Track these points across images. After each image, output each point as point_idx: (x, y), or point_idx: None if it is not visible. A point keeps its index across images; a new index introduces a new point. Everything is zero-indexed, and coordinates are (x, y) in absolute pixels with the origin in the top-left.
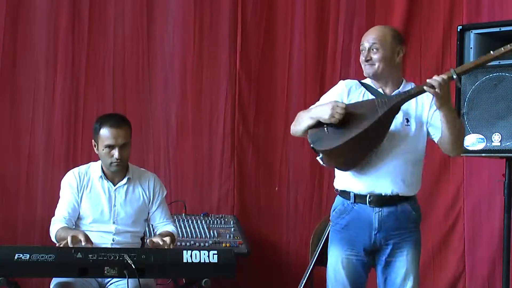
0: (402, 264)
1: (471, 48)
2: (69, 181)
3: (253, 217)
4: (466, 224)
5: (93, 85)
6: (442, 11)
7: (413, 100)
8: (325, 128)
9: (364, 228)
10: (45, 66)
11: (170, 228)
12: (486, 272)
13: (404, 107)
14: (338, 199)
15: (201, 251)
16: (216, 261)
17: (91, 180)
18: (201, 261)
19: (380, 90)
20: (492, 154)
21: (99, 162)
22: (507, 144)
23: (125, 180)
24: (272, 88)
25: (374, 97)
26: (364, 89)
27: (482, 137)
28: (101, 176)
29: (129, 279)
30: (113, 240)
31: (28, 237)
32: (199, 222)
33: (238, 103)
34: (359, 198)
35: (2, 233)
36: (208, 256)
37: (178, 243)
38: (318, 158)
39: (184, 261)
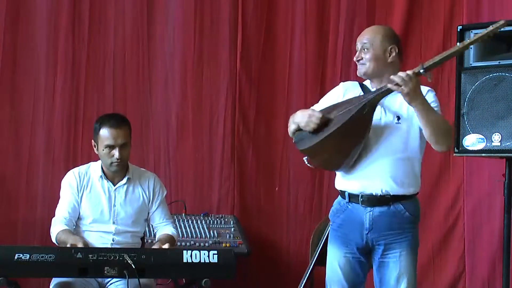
0: (395, 265)
1: (471, 48)
2: (69, 181)
3: (253, 217)
4: (466, 224)
5: (93, 85)
6: (442, 11)
7: (401, 99)
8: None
9: (356, 227)
10: (45, 66)
11: (170, 229)
12: (486, 272)
13: (395, 105)
14: (337, 199)
15: (201, 251)
16: (216, 261)
17: (91, 180)
18: (201, 261)
19: (374, 89)
20: (492, 154)
21: (99, 162)
22: (507, 144)
23: (125, 180)
24: (273, 88)
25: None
26: (361, 89)
27: (482, 137)
28: (101, 176)
29: (129, 279)
30: (113, 240)
31: (28, 237)
32: (199, 222)
33: (239, 103)
34: (353, 197)
35: (2, 233)
36: (208, 256)
37: (178, 243)
38: (304, 158)
39: (184, 261)
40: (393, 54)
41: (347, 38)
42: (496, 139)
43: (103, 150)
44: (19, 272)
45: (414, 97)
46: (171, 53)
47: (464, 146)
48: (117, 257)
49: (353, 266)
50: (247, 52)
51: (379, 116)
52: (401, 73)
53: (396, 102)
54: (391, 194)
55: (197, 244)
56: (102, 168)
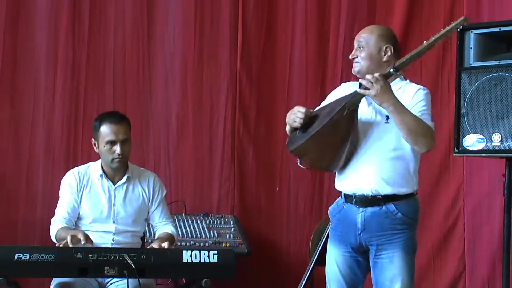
0: (388, 266)
1: (471, 48)
2: (69, 181)
3: (253, 217)
4: (466, 224)
5: (94, 85)
6: (443, 11)
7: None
8: (297, 131)
9: (350, 228)
10: (45, 66)
11: (170, 229)
12: (486, 272)
13: None
14: (338, 197)
15: (201, 251)
16: (216, 261)
17: (90, 180)
18: (201, 261)
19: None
20: (492, 154)
21: (99, 161)
22: (507, 144)
23: (124, 179)
24: (273, 88)
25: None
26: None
27: (482, 137)
28: (101, 175)
29: (129, 279)
30: (113, 240)
31: (28, 237)
32: (199, 222)
33: (239, 103)
34: (348, 198)
35: (2, 233)
36: (208, 256)
37: (178, 243)
38: (297, 159)
39: (184, 261)
40: (388, 53)
41: (347, 38)
42: (496, 139)
43: (104, 146)
44: (19, 272)
45: (383, 98)
46: (171, 53)
47: (464, 146)
48: (117, 257)
49: (351, 265)
50: (247, 52)
51: (370, 116)
52: (368, 76)
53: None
54: (382, 194)
55: (197, 244)
56: (102, 167)
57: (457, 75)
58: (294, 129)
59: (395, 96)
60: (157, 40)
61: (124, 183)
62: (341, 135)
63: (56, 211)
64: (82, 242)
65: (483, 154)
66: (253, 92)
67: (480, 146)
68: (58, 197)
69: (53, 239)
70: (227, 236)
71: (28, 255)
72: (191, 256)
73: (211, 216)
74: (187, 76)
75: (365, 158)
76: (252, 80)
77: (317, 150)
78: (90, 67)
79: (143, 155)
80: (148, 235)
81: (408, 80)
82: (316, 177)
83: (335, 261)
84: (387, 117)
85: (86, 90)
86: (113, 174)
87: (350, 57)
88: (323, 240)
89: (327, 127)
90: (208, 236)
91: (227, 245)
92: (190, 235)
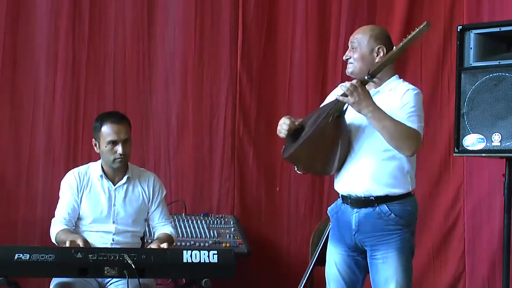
0: (382, 267)
1: (471, 48)
2: (69, 182)
3: (253, 217)
4: (466, 224)
5: (94, 85)
6: (443, 11)
7: (385, 100)
8: (290, 139)
9: (346, 228)
10: (45, 66)
11: (169, 229)
12: (486, 272)
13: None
14: (338, 199)
15: (201, 251)
16: (216, 261)
17: (90, 180)
18: (201, 261)
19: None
20: (492, 154)
21: (99, 161)
22: (507, 144)
23: (124, 179)
24: (273, 88)
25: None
26: None
27: (482, 137)
28: (101, 176)
29: (129, 279)
30: (113, 240)
31: (28, 237)
32: (199, 222)
33: (239, 103)
34: (344, 199)
35: (2, 233)
36: (208, 256)
37: (178, 243)
38: (295, 166)
39: (184, 261)
40: (381, 54)
41: (348, 38)
42: (496, 139)
43: (105, 146)
44: (19, 272)
45: (361, 106)
46: (172, 53)
47: (464, 146)
48: (117, 257)
49: (349, 264)
50: (247, 52)
51: (361, 118)
52: (346, 83)
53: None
54: (374, 195)
55: (197, 244)
56: (102, 167)
57: (457, 75)
58: (287, 137)
59: (373, 103)
60: (157, 40)
61: (124, 183)
62: (330, 141)
63: (56, 212)
64: None
65: (483, 154)
66: (253, 92)
67: (480, 146)
68: (58, 197)
69: (53, 241)
70: (227, 236)
71: (28, 255)
72: (191, 256)
73: (211, 216)
74: (187, 76)
75: (358, 160)
76: (252, 80)
77: (308, 156)
78: (90, 67)
79: (143, 155)
80: (148, 235)
81: (401, 80)
82: (316, 178)
83: (334, 261)
84: None
85: (86, 90)
86: (114, 174)
87: (344, 58)
88: (323, 240)
89: (314, 134)
90: (208, 236)
91: (227, 245)
92: (190, 235)
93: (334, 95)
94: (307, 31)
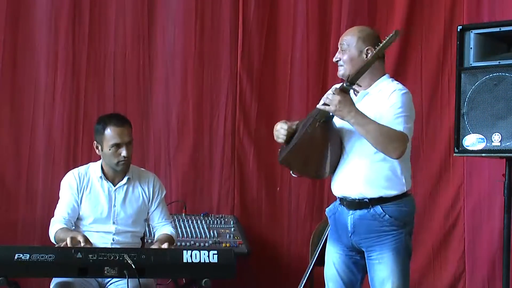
0: (378, 268)
1: (471, 48)
2: (69, 182)
3: (253, 217)
4: (466, 224)
5: (94, 85)
6: (443, 11)
7: (374, 101)
8: (285, 142)
9: (342, 230)
10: (45, 66)
11: (169, 229)
12: (486, 272)
13: (362, 110)
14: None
15: (201, 251)
16: (216, 261)
17: (90, 181)
18: (201, 261)
19: (353, 91)
20: (492, 154)
21: (99, 162)
22: (507, 144)
23: (125, 180)
24: (274, 88)
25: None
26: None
27: (482, 137)
28: (101, 177)
29: (129, 279)
30: (113, 240)
31: (28, 237)
32: (199, 222)
33: (239, 103)
34: (340, 200)
35: (2, 234)
36: (208, 256)
37: (178, 243)
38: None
39: (184, 261)
40: (370, 55)
41: None
42: (496, 139)
43: (109, 149)
44: (19, 272)
45: (343, 113)
46: (172, 53)
47: (464, 146)
48: (117, 257)
49: (348, 264)
50: (248, 51)
51: None
52: (329, 91)
53: (363, 106)
54: (368, 197)
55: (197, 244)
56: (102, 168)
57: (457, 75)
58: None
59: (355, 108)
60: (157, 40)
61: (125, 184)
62: (319, 145)
63: (56, 212)
64: (82, 245)
65: (483, 154)
66: (253, 92)
67: (480, 146)
68: (58, 198)
69: (52, 240)
70: (227, 236)
71: (28, 255)
72: (191, 256)
73: (211, 216)
74: (187, 76)
75: (351, 163)
76: (252, 80)
77: (299, 161)
78: (91, 67)
79: (144, 155)
80: (148, 236)
81: (391, 79)
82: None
83: (333, 261)
84: None
85: (87, 90)
86: (114, 175)
87: (334, 60)
88: (323, 241)
89: (303, 139)
90: (208, 236)
91: (227, 245)
92: (190, 235)
93: None
94: (307, 31)
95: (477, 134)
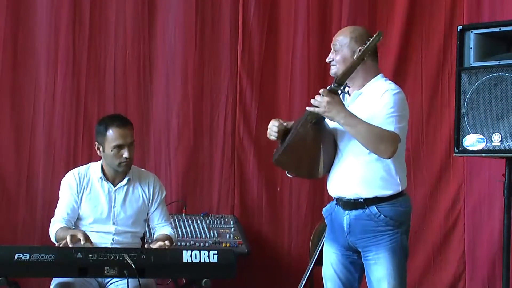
0: (374, 267)
1: (471, 48)
2: (69, 182)
3: (253, 217)
4: (466, 224)
5: (94, 86)
6: (443, 11)
7: (366, 101)
8: (280, 142)
9: (339, 230)
10: (45, 66)
11: (168, 230)
12: (486, 272)
13: (355, 110)
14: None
15: (201, 251)
16: (216, 261)
17: (91, 181)
18: (201, 261)
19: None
20: (492, 154)
21: (99, 162)
22: (507, 144)
23: (125, 181)
24: (274, 88)
25: None
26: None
27: (482, 137)
28: (101, 177)
29: (129, 279)
30: (113, 240)
31: (28, 237)
32: (199, 222)
33: (240, 103)
34: (336, 201)
35: (2, 233)
36: (208, 256)
37: (178, 243)
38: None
39: (184, 261)
40: (355, 56)
41: None
42: (496, 139)
43: (111, 151)
44: (19, 272)
45: (332, 114)
46: (172, 53)
47: (464, 146)
48: (117, 257)
49: (345, 263)
50: (248, 51)
51: None
52: (318, 95)
53: (357, 107)
54: (363, 198)
55: (197, 244)
56: (102, 169)
57: (457, 75)
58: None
59: (345, 109)
60: (157, 40)
61: (125, 185)
62: (311, 146)
63: (56, 212)
64: (82, 242)
65: (483, 154)
66: (254, 92)
67: (480, 146)
68: (58, 198)
69: (52, 239)
70: (227, 236)
71: (28, 255)
72: (191, 256)
73: (211, 216)
74: (187, 76)
75: (345, 163)
76: (253, 79)
77: (293, 161)
78: (91, 67)
79: (144, 155)
80: (148, 236)
81: (384, 79)
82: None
83: (330, 261)
84: None
85: (87, 90)
86: (114, 176)
87: (327, 60)
88: (323, 241)
89: (295, 140)
90: (208, 236)
91: (227, 245)
92: (190, 235)
93: None
94: (308, 30)
95: (477, 134)
